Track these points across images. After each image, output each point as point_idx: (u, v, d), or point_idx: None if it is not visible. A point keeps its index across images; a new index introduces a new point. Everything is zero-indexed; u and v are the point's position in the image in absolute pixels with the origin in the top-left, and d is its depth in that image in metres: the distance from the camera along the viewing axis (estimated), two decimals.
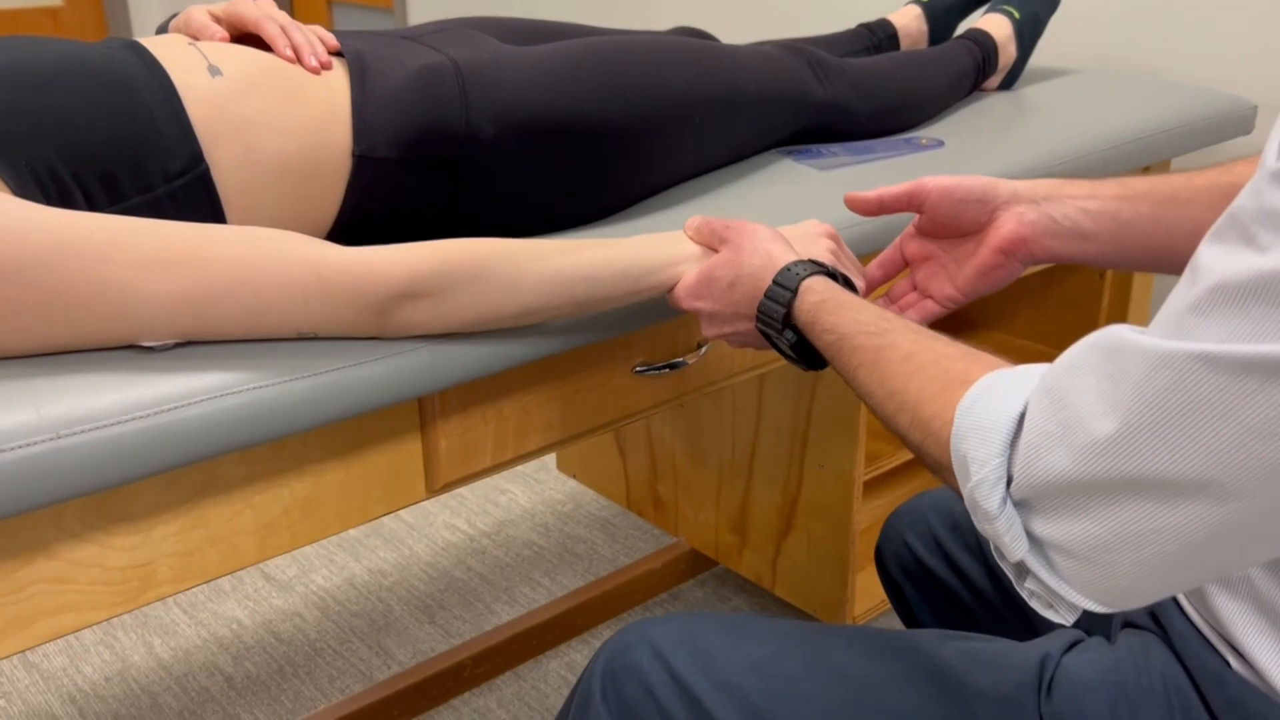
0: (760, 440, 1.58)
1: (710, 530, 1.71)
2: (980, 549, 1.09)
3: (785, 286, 0.84)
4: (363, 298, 0.79)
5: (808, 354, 0.85)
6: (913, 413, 0.71)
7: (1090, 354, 0.61)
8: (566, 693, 1.69)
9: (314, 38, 0.96)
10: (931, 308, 0.97)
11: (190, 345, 0.80)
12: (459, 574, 1.98)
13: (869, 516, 1.55)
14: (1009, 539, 0.63)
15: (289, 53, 0.93)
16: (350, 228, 0.95)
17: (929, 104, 1.39)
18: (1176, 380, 0.55)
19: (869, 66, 1.33)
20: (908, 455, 1.59)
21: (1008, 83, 1.59)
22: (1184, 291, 0.58)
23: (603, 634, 1.80)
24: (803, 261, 0.86)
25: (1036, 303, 1.78)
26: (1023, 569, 0.66)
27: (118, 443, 0.72)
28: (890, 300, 1.01)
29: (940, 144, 1.30)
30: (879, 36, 1.59)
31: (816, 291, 0.83)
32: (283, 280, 0.77)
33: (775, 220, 1.12)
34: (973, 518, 0.66)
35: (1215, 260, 0.56)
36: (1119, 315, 1.70)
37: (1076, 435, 0.59)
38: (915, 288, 0.98)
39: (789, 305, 0.84)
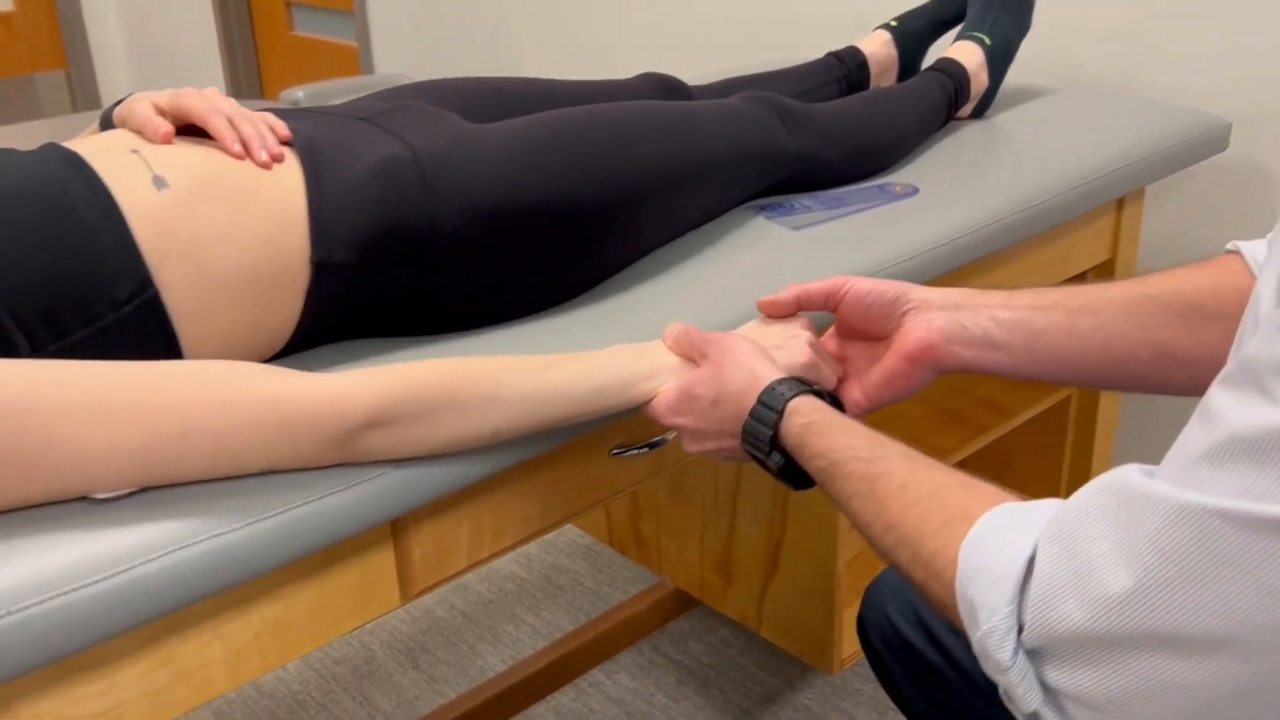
0: (743, 480, 1.55)
1: (694, 570, 1.69)
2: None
3: (770, 407, 0.82)
4: (325, 431, 0.76)
5: (796, 476, 0.83)
6: (912, 549, 0.68)
7: (1102, 499, 0.59)
8: None
9: (263, 128, 0.92)
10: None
11: (145, 492, 0.76)
12: (441, 613, 1.96)
13: (855, 558, 1.54)
14: (1022, 690, 0.61)
15: (237, 148, 0.89)
16: (312, 334, 0.92)
17: (901, 143, 1.37)
18: (1195, 535, 0.53)
19: (838, 111, 1.30)
20: None
21: (980, 110, 1.56)
22: (1198, 435, 0.56)
23: (589, 680, 1.78)
24: (787, 380, 0.83)
25: None
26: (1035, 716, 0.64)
27: (74, 610, 0.69)
28: None
29: (915, 190, 1.28)
30: (849, 66, 1.56)
31: (803, 413, 0.80)
32: (239, 421, 0.74)
33: (759, 280, 1.09)
34: (981, 665, 0.63)
35: (1230, 408, 0.54)
36: None
37: (1091, 587, 0.57)
38: None
39: (775, 427, 0.81)
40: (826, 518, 1.44)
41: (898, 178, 1.32)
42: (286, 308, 0.88)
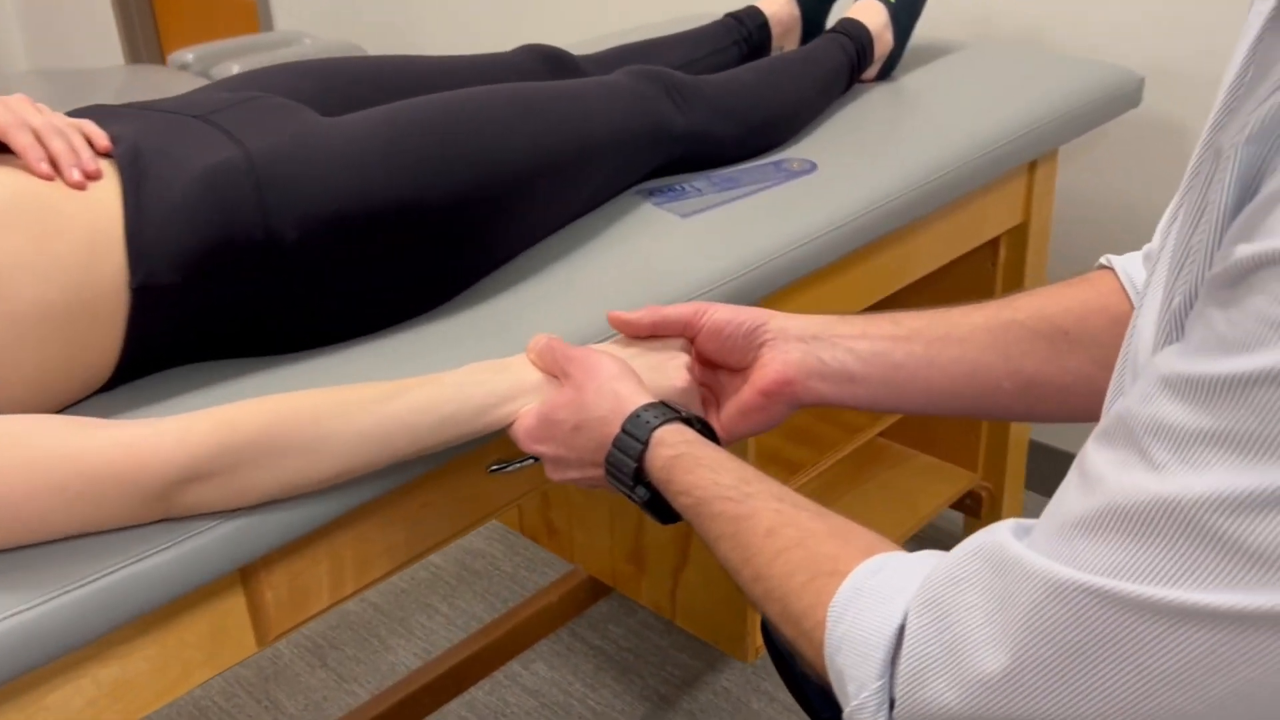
0: None
1: (606, 559, 1.64)
2: None
3: (635, 437, 0.75)
4: (135, 490, 0.68)
5: (663, 510, 0.76)
6: (781, 604, 0.63)
7: (974, 565, 0.54)
8: None
9: (78, 141, 0.83)
10: None
11: None
12: (351, 605, 1.89)
13: None
14: None
15: (45, 167, 0.80)
16: (140, 363, 0.83)
17: (800, 114, 1.29)
18: (1070, 614, 0.48)
19: (731, 83, 1.23)
20: (797, 484, 1.52)
21: (885, 72, 1.49)
22: (1075, 497, 0.50)
23: (506, 671, 1.73)
24: (654, 406, 0.76)
25: (927, 290, 1.71)
26: None
27: None
28: None
29: (813, 167, 1.21)
30: (749, 27, 1.48)
31: (669, 445, 0.74)
32: (37, 485, 0.66)
33: (641, 279, 1.02)
34: None
35: (1107, 470, 0.49)
36: None
37: (964, 666, 0.52)
38: None
39: (640, 459, 0.75)
40: None
41: (796, 152, 1.25)
42: (105, 339, 0.80)
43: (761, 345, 0.86)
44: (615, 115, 1.08)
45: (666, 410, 0.76)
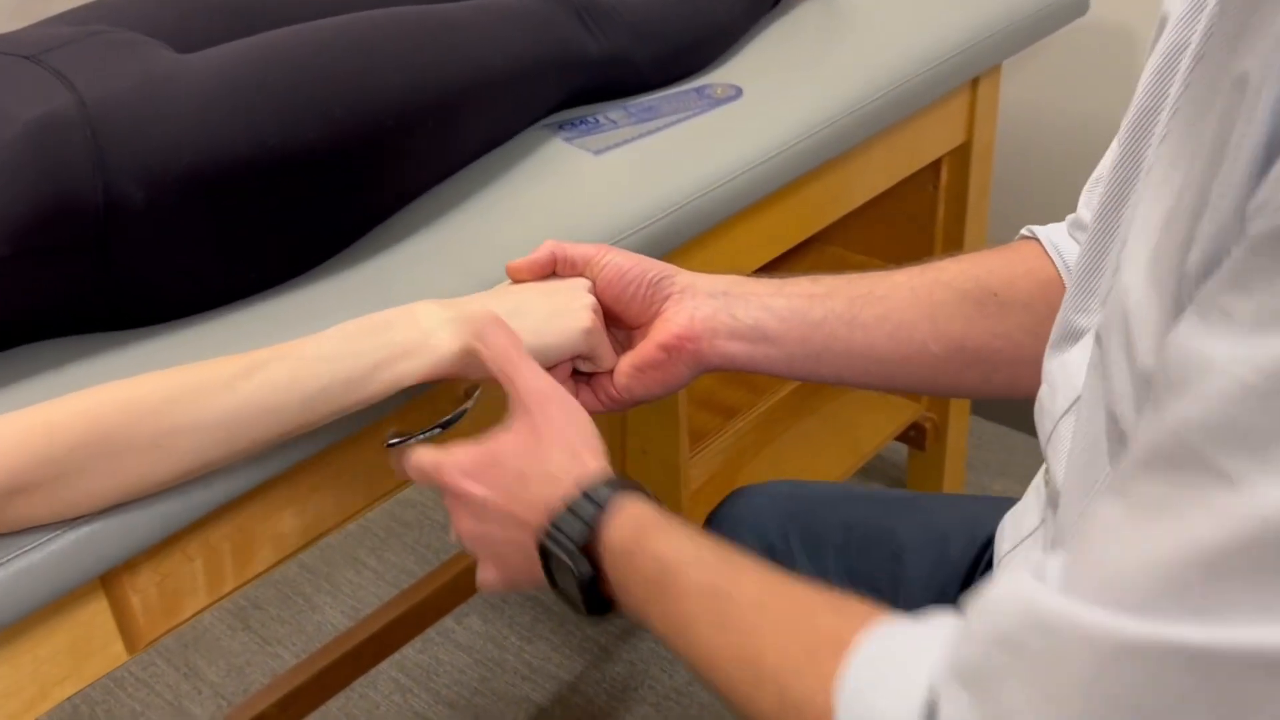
0: None
1: None
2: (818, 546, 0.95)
3: (595, 501, 0.64)
4: None
5: (595, 597, 0.66)
6: (778, 689, 0.54)
7: (1007, 626, 0.44)
8: (399, 699, 1.56)
9: None
10: (589, 401, 0.80)
11: None
12: None
13: (698, 493, 1.42)
14: None
15: None
16: None
17: (724, 35, 1.19)
18: (1149, 678, 0.38)
19: (651, 1, 1.12)
20: (736, 427, 1.45)
21: None
22: (1126, 534, 0.41)
23: (439, 628, 1.66)
24: (615, 478, 0.66)
25: (870, 216, 1.63)
26: None
27: None
28: None
29: (738, 93, 1.11)
30: None
31: (637, 515, 0.64)
32: None
33: (551, 223, 0.92)
34: None
35: (1173, 501, 0.39)
36: (956, 224, 1.55)
37: None
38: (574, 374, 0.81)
39: (595, 524, 0.64)
40: (667, 459, 1.31)
41: (720, 76, 1.15)
42: None
43: (667, 298, 0.78)
44: (516, 41, 0.97)
45: (623, 480, 0.66)
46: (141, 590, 0.75)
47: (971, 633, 0.46)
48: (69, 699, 1.55)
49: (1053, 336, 0.66)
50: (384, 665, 1.60)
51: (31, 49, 0.80)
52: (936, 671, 0.47)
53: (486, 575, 0.72)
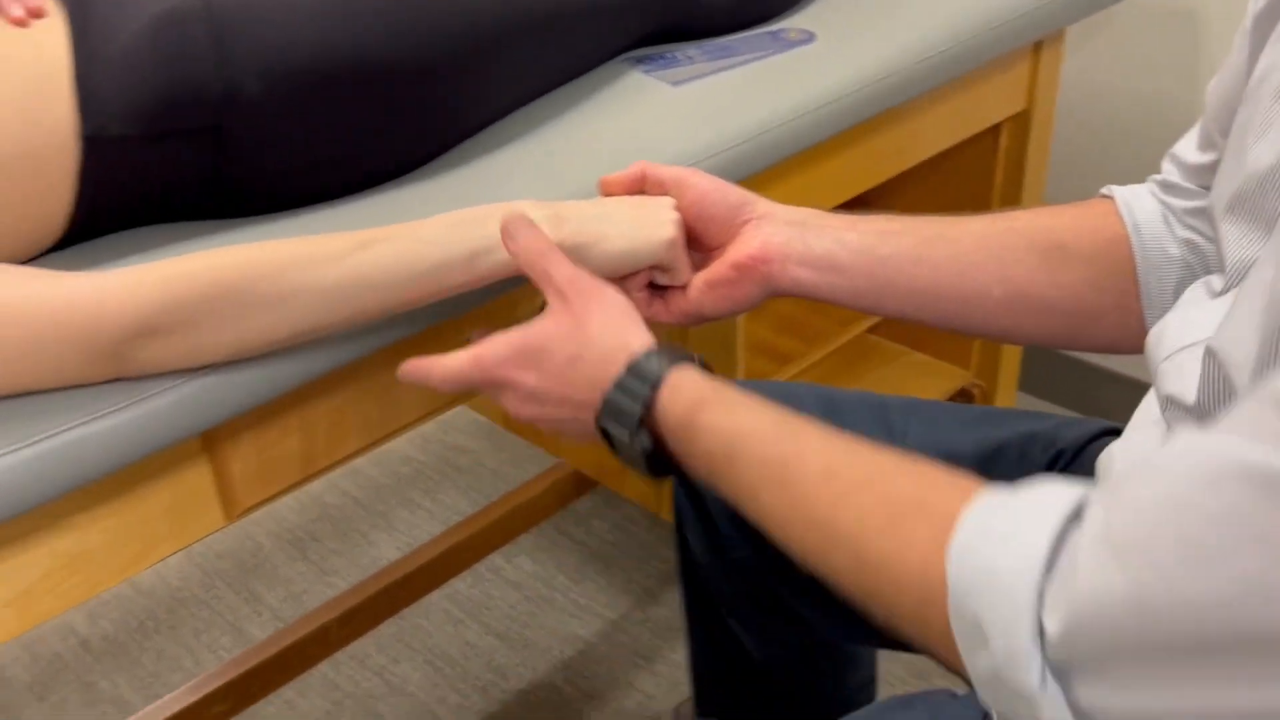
0: None
1: (592, 451, 1.61)
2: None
3: (643, 378, 0.67)
4: (84, 345, 0.64)
5: (658, 462, 0.69)
6: (852, 552, 0.56)
7: (1207, 495, 0.41)
8: (450, 630, 1.61)
9: None
10: (660, 311, 0.83)
11: None
12: (331, 499, 1.86)
13: None
14: (1048, 717, 0.47)
15: None
16: (93, 221, 0.78)
17: None
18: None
19: None
20: (789, 373, 1.48)
21: None
22: None
23: (487, 565, 1.71)
24: (664, 349, 0.69)
25: (927, 180, 1.66)
26: None
27: None
28: None
29: (811, 37, 1.15)
30: None
31: (691, 388, 0.67)
32: None
33: (627, 147, 0.97)
34: (979, 692, 0.51)
35: None
36: (1013, 191, 1.58)
37: (1154, 582, 0.42)
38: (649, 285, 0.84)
39: (649, 403, 0.67)
40: None
41: (793, 22, 1.19)
42: (55, 191, 0.75)
43: (745, 222, 0.81)
44: None
45: (677, 352, 0.70)
46: (243, 457, 0.81)
47: (1139, 495, 0.45)
48: (136, 615, 1.61)
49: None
50: (436, 597, 1.66)
51: None
52: (1062, 513, 0.48)
53: (548, 432, 0.76)
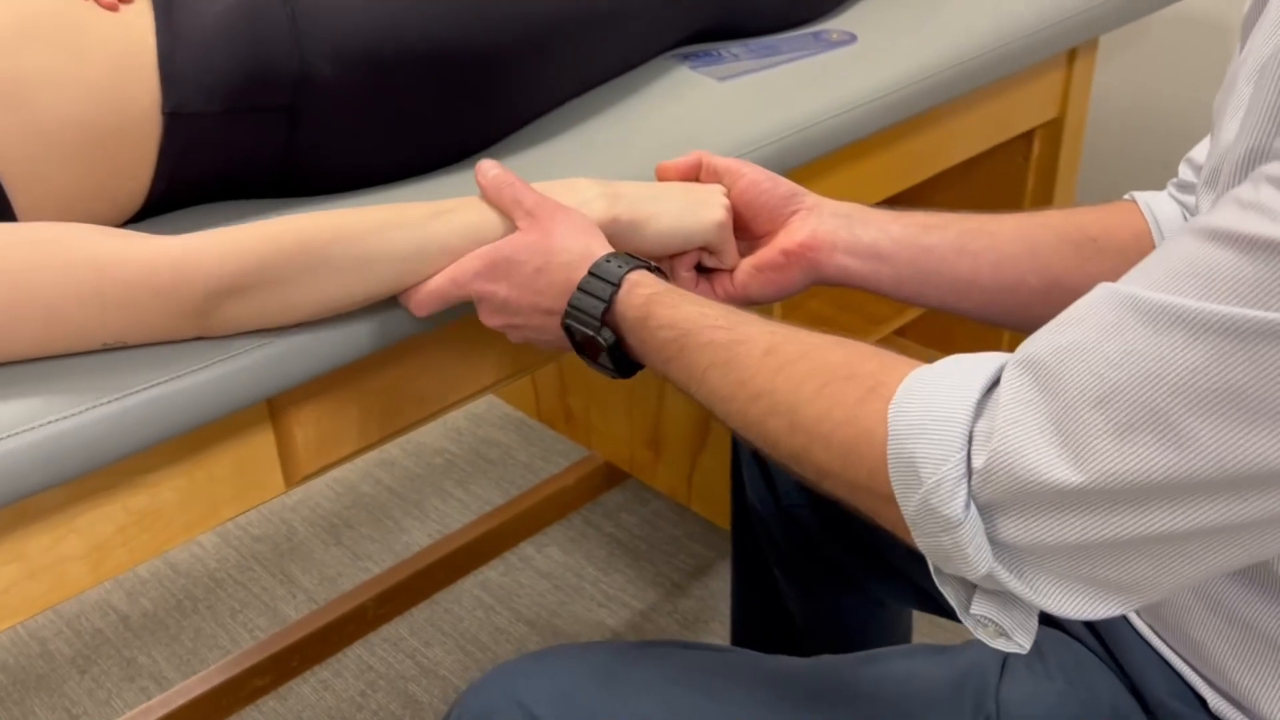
0: None
1: (624, 444, 1.64)
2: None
3: (605, 279, 0.73)
4: (173, 299, 0.67)
5: (623, 361, 0.75)
6: (788, 416, 0.62)
7: (1077, 313, 0.53)
8: (481, 615, 1.64)
9: None
10: (706, 292, 0.87)
11: None
12: (366, 488, 1.90)
13: None
14: (972, 550, 0.54)
15: None
16: (170, 195, 0.82)
17: None
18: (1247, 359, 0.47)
19: None
20: None
21: None
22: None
23: (518, 554, 1.74)
24: (622, 255, 0.75)
25: (958, 186, 1.69)
26: (969, 587, 0.58)
27: None
28: None
29: (853, 38, 1.18)
30: None
31: (647, 285, 0.72)
32: (76, 289, 0.65)
33: (675, 139, 1.00)
34: (914, 532, 0.57)
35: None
36: (1044, 199, 1.61)
37: (1073, 426, 0.51)
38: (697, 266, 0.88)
39: (610, 299, 0.72)
40: None
41: (835, 24, 1.22)
42: (137, 164, 0.78)
43: (794, 212, 0.85)
44: None
45: (633, 258, 0.75)
46: (304, 425, 0.84)
47: (1036, 335, 0.55)
48: (175, 594, 1.65)
49: None
50: (468, 584, 1.69)
51: None
52: (992, 368, 0.55)
53: (517, 343, 0.81)
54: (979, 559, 0.54)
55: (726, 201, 0.84)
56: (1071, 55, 1.45)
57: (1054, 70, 1.44)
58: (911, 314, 1.60)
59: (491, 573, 1.71)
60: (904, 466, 0.55)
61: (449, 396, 0.93)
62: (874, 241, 0.84)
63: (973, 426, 0.54)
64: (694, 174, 0.86)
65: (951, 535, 0.54)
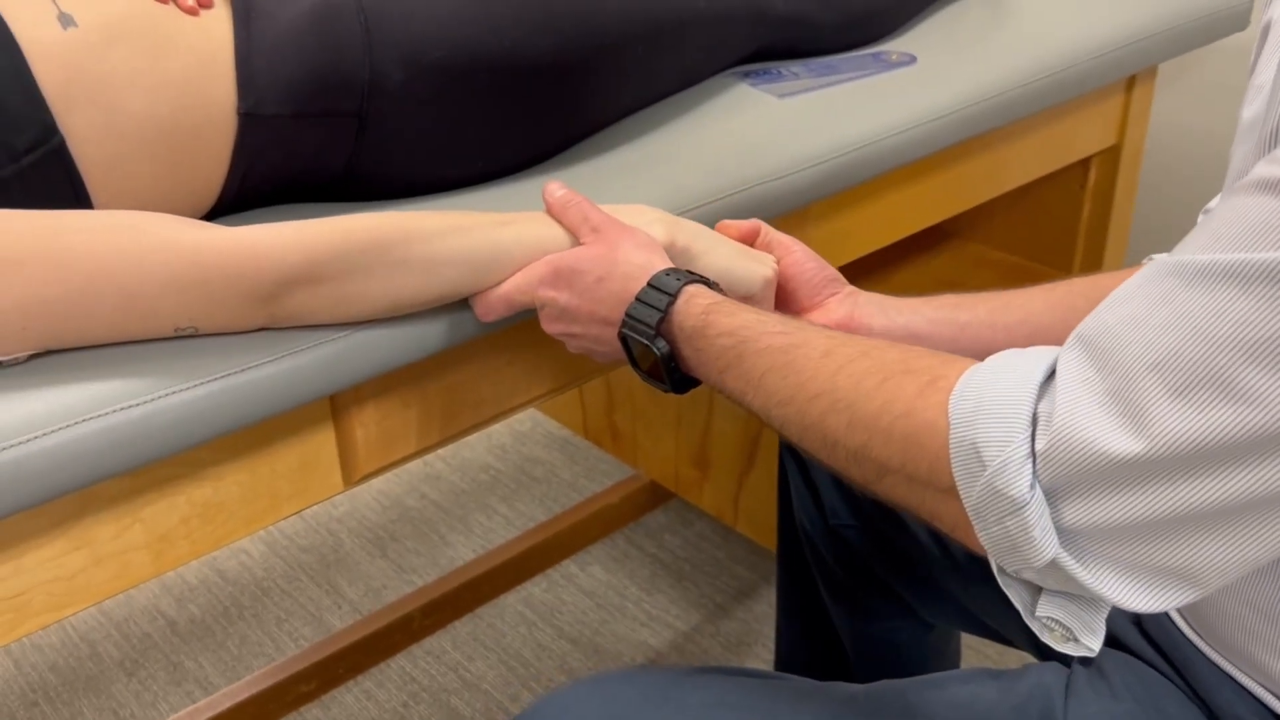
0: None
1: (670, 463, 1.64)
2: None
3: (663, 290, 0.74)
4: (245, 286, 0.68)
5: (677, 375, 0.75)
6: (847, 413, 0.62)
7: (1129, 289, 0.54)
8: (524, 631, 1.64)
9: None
10: None
11: (49, 355, 0.69)
12: (412, 502, 1.91)
13: None
14: (1038, 532, 0.54)
15: None
16: (242, 195, 0.83)
17: (901, 10, 1.27)
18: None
19: None
20: None
21: None
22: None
23: (561, 571, 1.74)
24: (683, 270, 0.76)
25: (1013, 213, 1.68)
26: (1035, 590, 0.58)
27: None
28: None
29: (912, 59, 1.18)
30: None
31: (706, 296, 0.73)
32: (151, 273, 0.66)
33: (735, 154, 1.01)
34: (975, 524, 0.56)
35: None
36: (1100, 227, 1.60)
37: (1133, 400, 0.51)
38: None
39: (666, 310, 0.73)
40: None
41: (895, 45, 1.23)
42: (212, 163, 0.80)
43: (833, 294, 0.87)
44: None
45: (694, 275, 0.76)
46: (365, 424, 0.85)
47: (1089, 317, 0.55)
48: (222, 601, 1.66)
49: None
50: (511, 599, 1.69)
51: None
52: (1054, 354, 0.55)
53: (574, 353, 0.82)
54: (1045, 542, 0.53)
55: (775, 267, 0.86)
56: (1130, 83, 1.44)
57: (1112, 97, 1.44)
58: None
59: (535, 589, 1.71)
60: (967, 453, 0.55)
61: (506, 403, 0.94)
62: (908, 323, 0.86)
63: (1035, 408, 0.54)
64: (751, 238, 0.88)
65: (1018, 517, 0.54)
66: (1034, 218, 1.66)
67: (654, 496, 1.76)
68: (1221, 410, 0.48)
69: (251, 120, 0.80)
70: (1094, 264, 1.63)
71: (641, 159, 0.99)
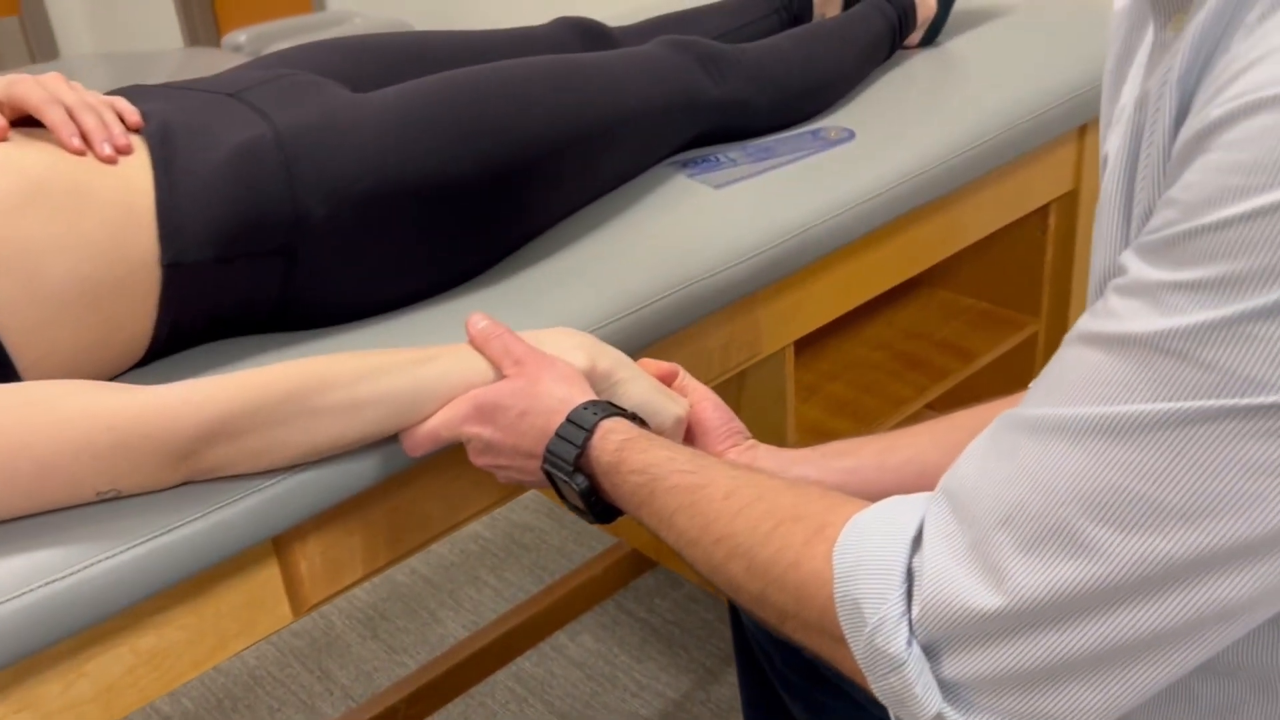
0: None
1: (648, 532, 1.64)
2: None
3: (580, 425, 0.74)
4: (161, 447, 0.69)
5: (598, 506, 0.76)
6: (746, 559, 0.63)
7: (985, 442, 0.55)
8: (515, 709, 1.64)
9: (110, 116, 0.84)
10: None
11: None
12: (401, 577, 1.91)
13: None
14: (920, 689, 0.54)
15: (76, 142, 0.81)
16: (174, 339, 0.84)
17: (838, 83, 1.27)
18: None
19: (769, 52, 1.21)
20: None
21: (929, 37, 1.46)
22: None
23: (553, 643, 1.74)
24: (599, 402, 0.77)
25: (978, 260, 1.68)
26: None
27: None
28: None
29: (851, 135, 1.19)
30: None
31: (621, 431, 0.74)
32: (66, 442, 0.67)
33: (673, 252, 1.01)
34: (867, 675, 0.57)
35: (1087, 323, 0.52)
36: (1063, 271, 1.60)
37: (990, 553, 0.52)
38: None
39: (583, 446, 0.74)
40: None
41: (835, 120, 1.23)
42: (139, 316, 0.81)
43: (735, 445, 0.88)
44: (646, 86, 1.07)
45: (611, 406, 0.76)
46: (309, 557, 0.86)
47: (952, 468, 0.56)
48: (215, 694, 1.67)
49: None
50: (501, 675, 1.69)
51: (231, 88, 0.93)
52: (924, 505, 0.56)
53: (504, 484, 0.83)
54: (928, 699, 0.54)
55: (688, 408, 0.86)
56: (1082, 131, 1.45)
57: (1066, 145, 1.44)
58: (933, 393, 1.59)
59: (525, 663, 1.71)
60: (850, 608, 0.56)
61: (454, 517, 0.94)
62: (803, 473, 0.86)
63: (910, 562, 0.55)
64: (670, 379, 0.89)
65: (899, 674, 0.55)
66: (999, 264, 1.66)
67: (639, 564, 1.76)
68: (1068, 564, 0.49)
69: (176, 270, 0.81)
70: (1061, 306, 1.63)
71: (582, 262, 1.00)
